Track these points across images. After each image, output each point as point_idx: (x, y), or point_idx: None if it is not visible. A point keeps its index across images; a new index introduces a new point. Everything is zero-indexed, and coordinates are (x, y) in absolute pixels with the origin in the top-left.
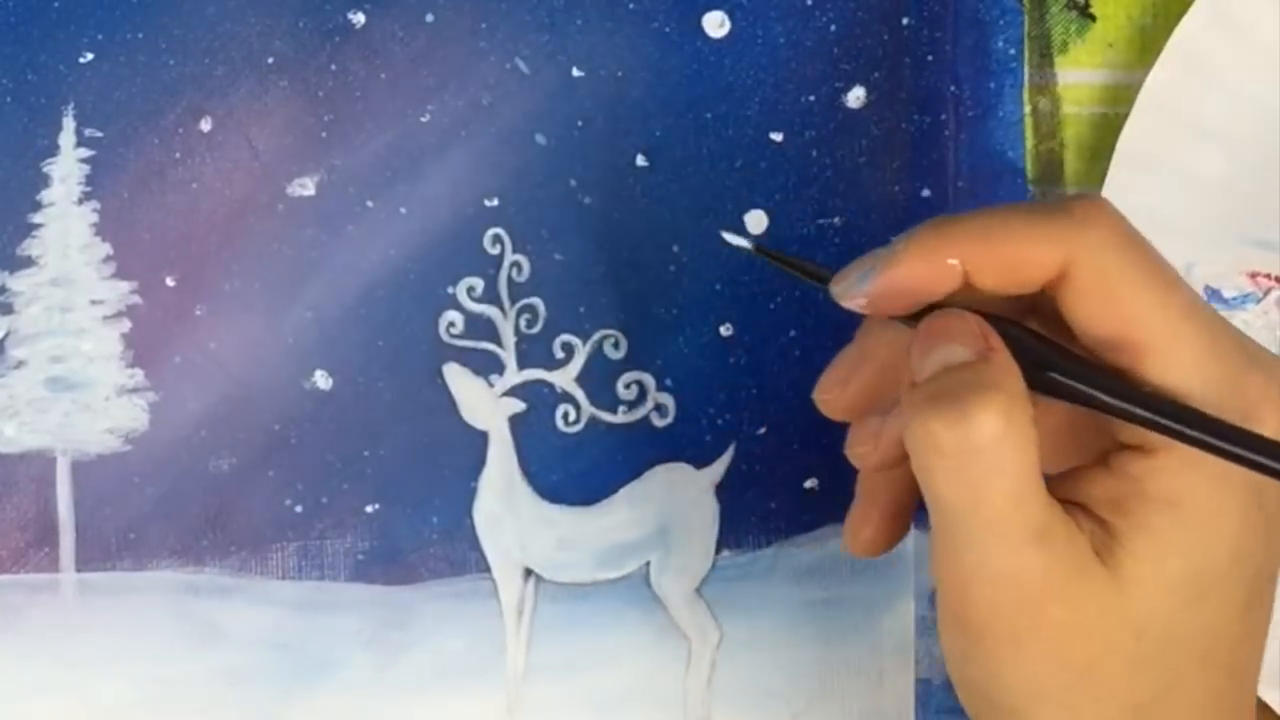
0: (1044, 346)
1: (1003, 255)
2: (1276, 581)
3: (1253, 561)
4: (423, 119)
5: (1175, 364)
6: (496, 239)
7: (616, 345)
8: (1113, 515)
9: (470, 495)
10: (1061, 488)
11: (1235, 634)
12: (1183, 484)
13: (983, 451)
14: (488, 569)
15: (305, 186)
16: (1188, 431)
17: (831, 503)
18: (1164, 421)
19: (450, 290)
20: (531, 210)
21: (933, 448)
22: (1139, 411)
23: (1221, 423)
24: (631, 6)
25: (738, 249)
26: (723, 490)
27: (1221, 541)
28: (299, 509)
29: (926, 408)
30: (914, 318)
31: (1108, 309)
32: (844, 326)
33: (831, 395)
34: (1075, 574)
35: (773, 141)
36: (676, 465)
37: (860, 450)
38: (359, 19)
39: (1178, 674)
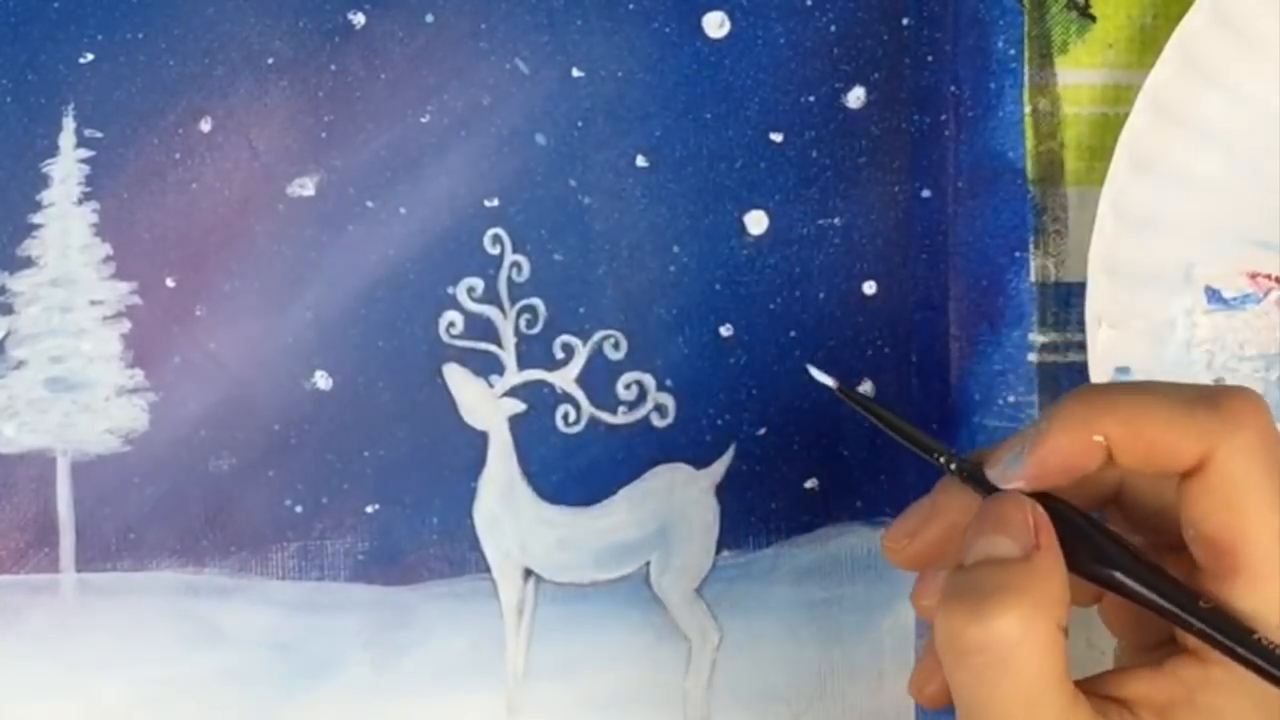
0: (1111, 544)
1: (1144, 440)
2: None
3: None
4: (423, 119)
5: (1262, 591)
6: (496, 239)
7: (616, 345)
8: (1154, 717)
9: (470, 495)
10: (1110, 684)
11: None
12: (1232, 703)
13: (997, 653)
14: (488, 569)
15: (305, 186)
16: (1236, 649)
17: (831, 503)
18: (1215, 635)
19: (450, 290)
20: (531, 210)
21: (952, 640)
22: (1194, 621)
23: (1271, 650)
24: (631, 6)
25: (821, 385)
26: (723, 490)
27: None
28: (299, 509)
29: (953, 600)
30: (987, 486)
31: (1223, 515)
32: (844, 327)
33: (898, 545)
34: None
35: (773, 141)
36: (676, 465)
37: (924, 603)
38: (359, 19)
39: None
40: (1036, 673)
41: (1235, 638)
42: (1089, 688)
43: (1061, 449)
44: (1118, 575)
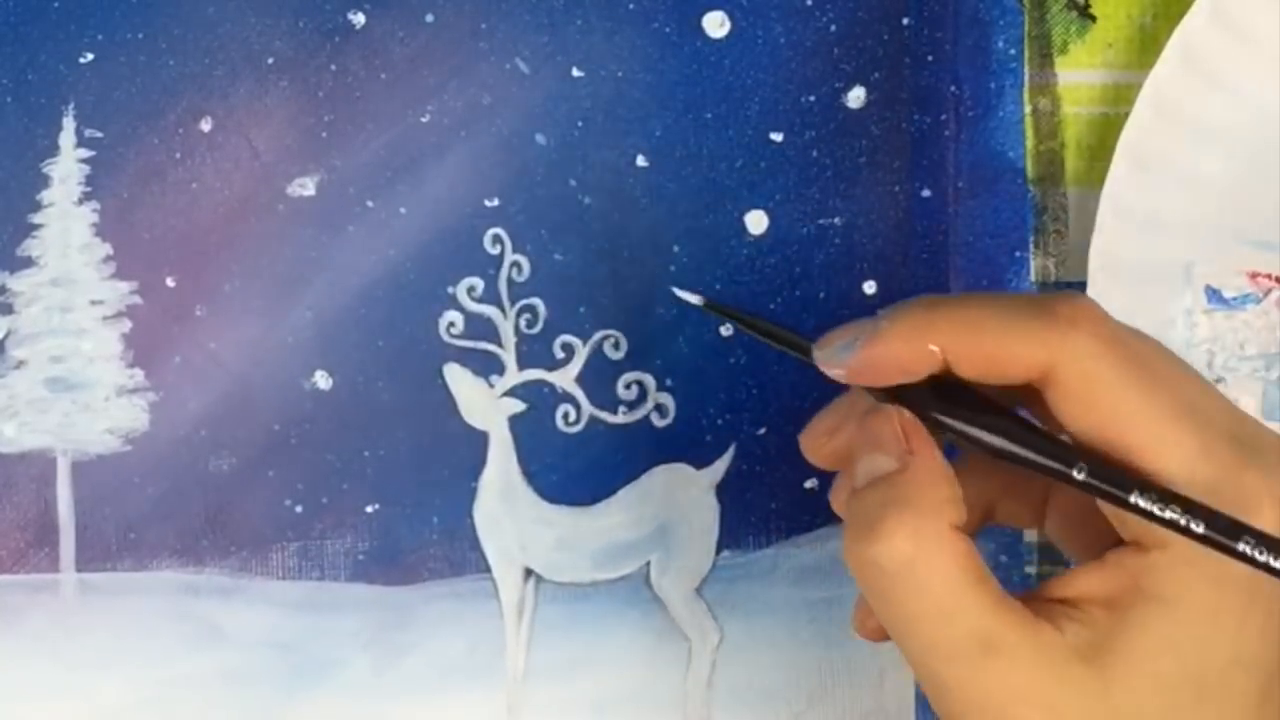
0: (989, 419)
1: (982, 351)
2: None
3: (1258, 662)
4: (423, 119)
5: (1163, 466)
6: (496, 239)
7: (616, 345)
8: (1105, 612)
9: (470, 495)
10: (1053, 588)
11: None
12: (1178, 582)
13: (896, 573)
14: (488, 569)
15: (305, 186)
16: (1118, 497)
17: None
18: (1099, 486)
19: (450, 290)
20: (531, 210)
21: (856, 569)
22: (1075, 475)
23: (1200, 506)
24: (631, 6)
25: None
26: (723, 490)
27: (1219, 642)
28: (299, 509)
29: (849, 529)
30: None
31: (1091, 414)
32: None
33: (816, 444)
34: (1046, 678)
35: (773, 141)
36: (676, 465)
37: (843, 499)
38: (359, 19)
39: None
40: (942, 581)
41: (1114, 495)
42: (1034, 595)
43: (894, 353)
44: (996, 442)
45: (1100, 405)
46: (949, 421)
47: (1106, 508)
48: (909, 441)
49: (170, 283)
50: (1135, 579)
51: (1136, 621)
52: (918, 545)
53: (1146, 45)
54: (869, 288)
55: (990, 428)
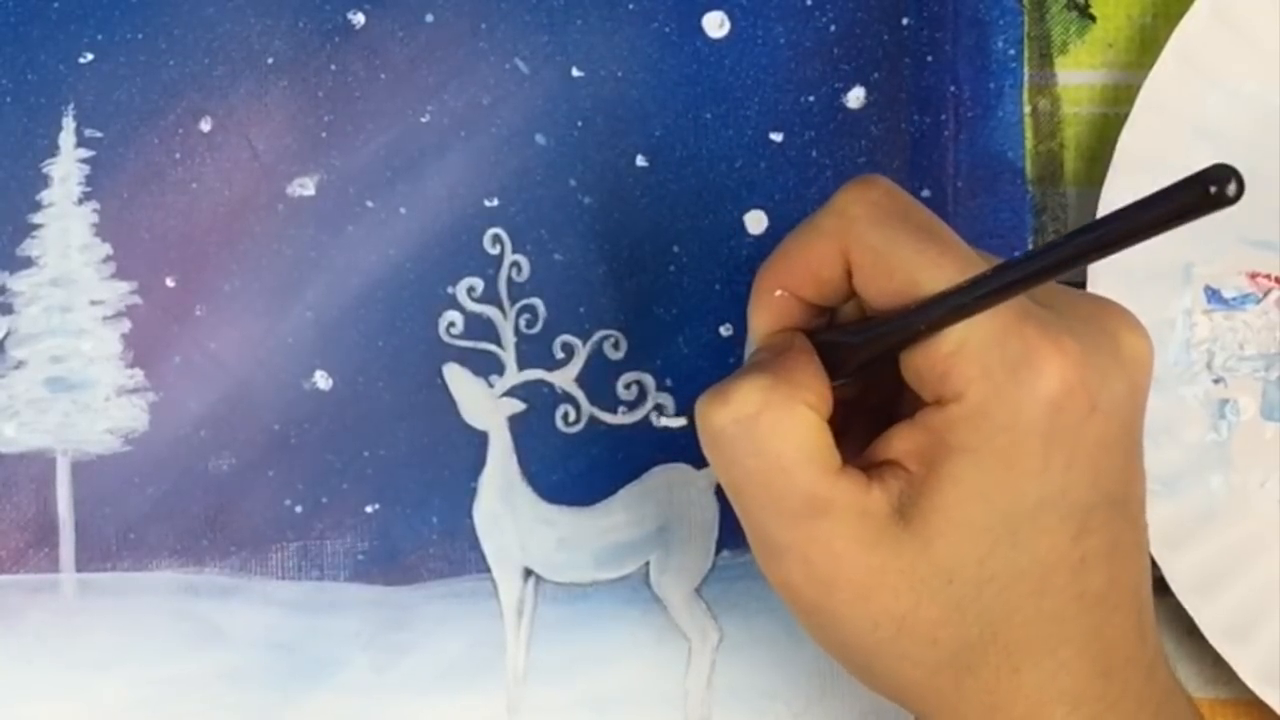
0: (846, 329)
1: (798, 269)
2: (1121, 504)
3: (1067, 500)
4: (423, 119)
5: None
6: (496, 239)
7: (616, 345)
8: (919, 467)
9: (470, 495)
10: (877, 450)
11: (1072, 563)
12: (976, 432)
13: (742, 426)
14: (488, 569)
15: (305, 186)
16: (925, 318)
17: None
18: (945, 318)
19: (450, 290)
20: (531, 210)
21: (706, 430)
22: (920, 325)
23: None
24: (631, 6)
25: None
26: (722, 490)
27: (1024, 486)
28: (299, 509)
29: (706, 394)
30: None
31: (889, 283)
32: None
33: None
34: (870, 540)
35: (773, 141)
36: (676, 465)
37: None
38: (359, 19)
39: (1007, 609)
40: (784, 441)
41: (894, 332)
42: (863, 461)
43: (761, 320)
44: (869, 337)
45: (894, 273)
46: (818, 337)
47: (907, 370)
48: (791, 344)
49: (170, 283)
50: (939, 434)
51: (945, 475)
52: (766, 403)
53: (1146, 45)
54: None
55: (838, 331)
